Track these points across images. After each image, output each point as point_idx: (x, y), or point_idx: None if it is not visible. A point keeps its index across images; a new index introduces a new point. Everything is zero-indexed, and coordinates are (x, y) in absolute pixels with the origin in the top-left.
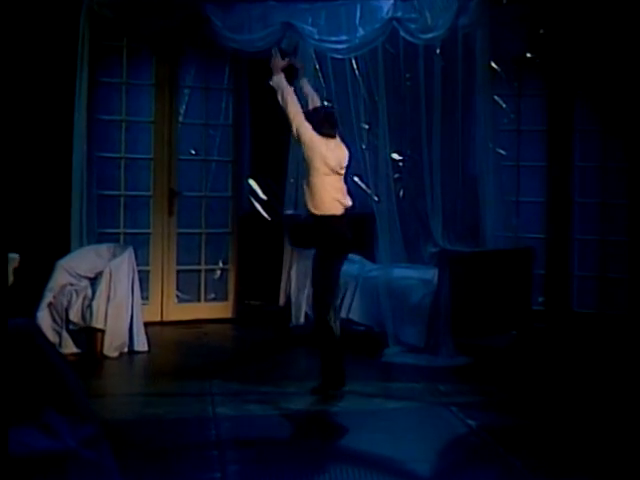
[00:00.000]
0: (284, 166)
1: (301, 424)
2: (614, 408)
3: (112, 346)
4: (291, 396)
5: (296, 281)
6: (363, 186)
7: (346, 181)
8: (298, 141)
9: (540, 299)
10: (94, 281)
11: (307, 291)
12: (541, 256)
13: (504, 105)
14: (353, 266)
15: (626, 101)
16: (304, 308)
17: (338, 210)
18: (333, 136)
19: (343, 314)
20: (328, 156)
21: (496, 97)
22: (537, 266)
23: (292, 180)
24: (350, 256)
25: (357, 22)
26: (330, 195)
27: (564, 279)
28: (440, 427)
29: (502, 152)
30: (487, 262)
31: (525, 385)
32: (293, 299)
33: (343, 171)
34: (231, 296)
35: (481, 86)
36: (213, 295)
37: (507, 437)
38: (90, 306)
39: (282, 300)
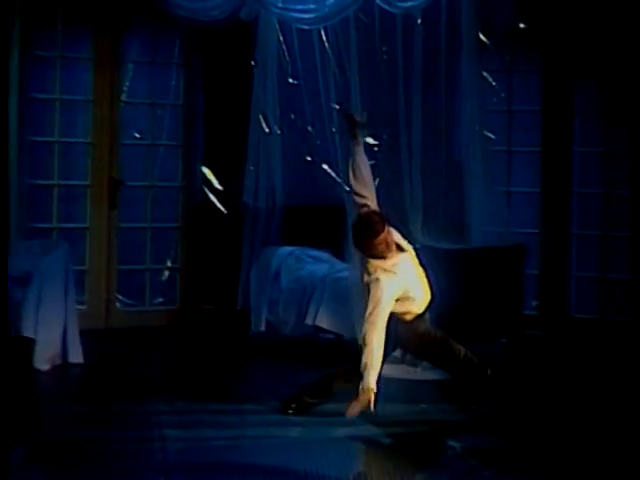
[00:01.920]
0: (242, 152)
1: (258, 449)
2: (614, 428)
3: (43, 358)
4: (249, 415)
5: (256, 282)
6: (333, 174)
7: (313, 169)
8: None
9: (533, 303)
10: (22, 283)
11: (268, 294)
12: (535, 254)
13: (493, 82)
14: (320, 265)
15: (633, 78)
16: (265, 314)
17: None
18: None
19: (309, 321)
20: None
21: (484, 73)
22: (530, 265)
23: (252, 168)
24: (317, 254)
25: None
26: None
27: (561, 280)
28: (421, 450)
29: (491, 136)
30: (473, 261)
31: (515, 401)
32: (252, 303)
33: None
34: (181, 300)
35: (467, 61)
36: (160, 299)
37: (494, 460)
38: (18, 312)
39: (239, 304)
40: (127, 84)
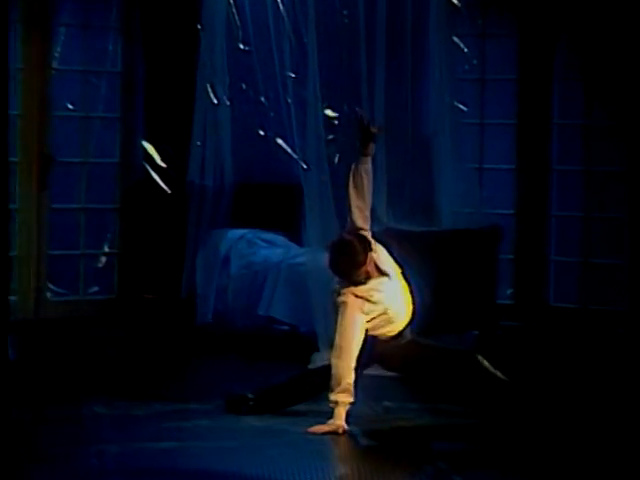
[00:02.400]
0: (188, 125)
1: (204, 452)
2: (596, 429)
3: None
4: (194, 416)
5: (203, 268)
6: (288, 150)
7: (267, 143)
8: None
9: (508, 291)
10: None
11: (216, 281)
12: (510, 237)
13: (465, 48)
14: (275, 250)
15: (620, 43)
16: (212, 303)
17: None
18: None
19: (261, 311)
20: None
21: (455, 38)
22: (505, 250)
23: (198, 142)
24: (271, 237)
25: None
26: None
27: (538, 266)
28: (385, 452)
29: (462, 107)
30: (442, 244)
31: (487, 399)
32: (199, 291)
33: None
34: (119, 288)
35: (436, 24)
36: (96, 287)
37: (465, 464)
38: None
39: (184, 293)
40: (59, 50)
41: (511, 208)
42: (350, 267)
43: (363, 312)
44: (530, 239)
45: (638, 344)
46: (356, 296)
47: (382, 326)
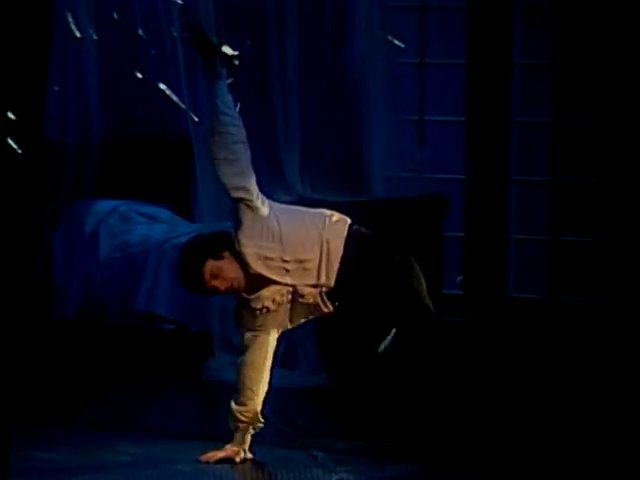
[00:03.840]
0: (42, 65)
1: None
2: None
3: None
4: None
5: (62, 250)
6: (173, 97)
7: (145, 89)
8: None
9: (458, 278)
10: None
11: (81, 267)
12: (459, 209)
13: None
14: (157, 227)
15: None
16: (75, 295)
17: None
18: None
19: (140, 305)
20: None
21: None
22: (452, 225)
23: (56, 87)
24: (152, 211)
25: None
26: None
27: (495, 245)
28: None
29: (398, 43)
30: (372, 218)
31: (421, 418)
32: (57, 279)
33: None
34: None
35: None
36: None
37: None
38: None
39: (38, 281)
40: None
41: (460, 172)
42: (195, 264)
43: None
44: (484, 211)
45: (617, 344)
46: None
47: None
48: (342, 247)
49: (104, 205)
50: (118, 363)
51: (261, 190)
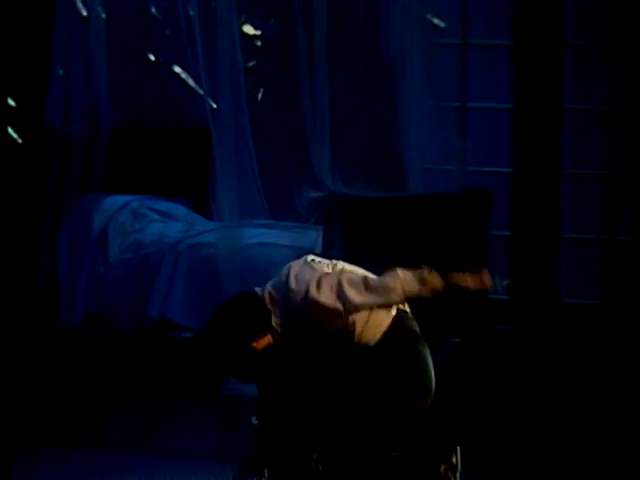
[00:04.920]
0: (46, 47)
1: None
2: None
3: None
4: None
5: (68, 250)
6: (190, 82)
7: (160, 73)
8: None
9: (504, 282)
10: None
11: (88, 269)
12: (505, 205)
13: None
14: (172, 225)
15: None
16: (82, 300)
17: None
18: None
19: (153, 312)
20: None
21: None
22: (498, 223)
23: (60, 72)
24: (167, 207)
25: None
26: None
27: (545, 246)
28: None
29: (438, 22)
30: (408, 216)
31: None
32: (62, 283)
33: None
34: None
35: None
36: None
37: None
38: None
39: (41, 285)
40: None
41: (506, 164)
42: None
43: None
44: (533, 208)
45: None
46: None
47: None
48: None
49: (114, 201)
50: (129, 376)
51: (284, 185)
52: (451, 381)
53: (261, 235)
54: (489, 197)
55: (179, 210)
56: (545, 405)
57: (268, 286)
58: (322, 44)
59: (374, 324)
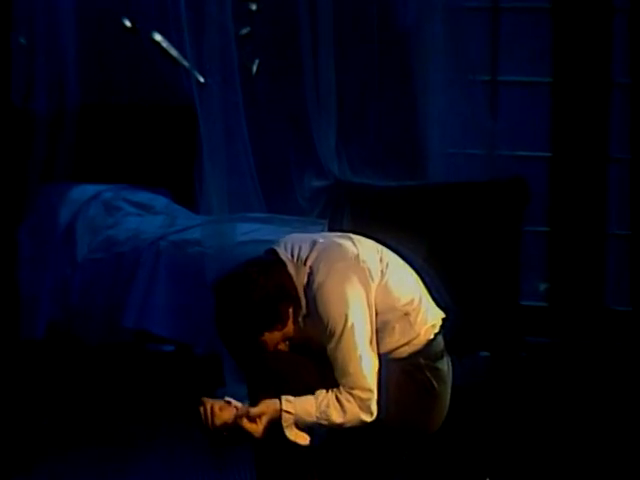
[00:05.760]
0: (6, 14)
1: None
2: None
3: None
4: None
5: (30, 249)
6: (173, 52)
7: (136, 42)
8: None
9: (542, 286)
10: None
11: (53, 270)
12: (543, 197)
13: None
14: (151, 219)
15: None
16: (47, 307)
17: None
18: None
19: (129, 321)
20: None
21: None
22: (533, 217)
23: (22, 40)
24: (146, 198)
25: None
26: None
27: (589, 244)
28: None
29: None
30: (428, 209)
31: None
32: (24, 288)
33: None
34: None
35: None
36: None
37: None
38: None
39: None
40: None
41: (544, 148)
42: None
43: None
44: (575, 200)
45: None
46: None
47: None
48: None
49: (83, 191)
50: (99, 396)
51: (283, 173)
52: (478, 403)
53: (256, 231)
54: (524, 186)
55: (159, 202)
56: (590, 430)
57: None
58: (327, 8)
59: None
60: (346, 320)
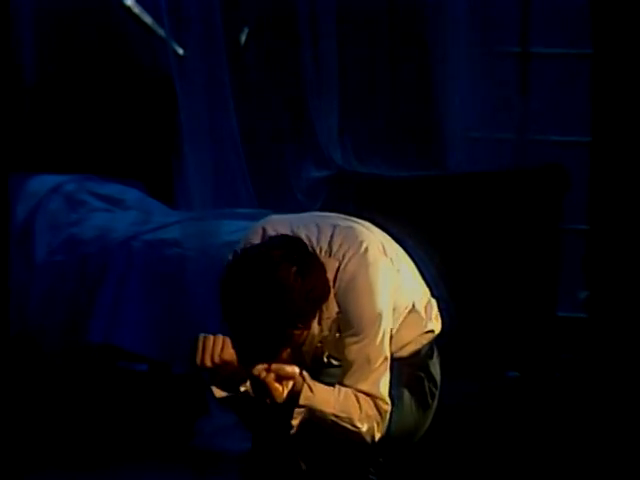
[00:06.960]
0: None
1: None
2: None
3: None
4: None
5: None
6: (147, 20)
7: (105, 6)
8: None
9: (582, 294)
10: None
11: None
12: (582, 188)
13: None
14: (120, 216)
15: None
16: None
17: None
18: None
19: (96, 335)
20: None
21: None
22: (573, 213)
23: None
24: (115, 191)
25: None
26: None
27: (636, 244)
28: None
29: None
30: (448, 202)
31: None
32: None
33: None
34: None
35: None
36: None
37: None
38: None
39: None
40: None
41: (583, 132)
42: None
43: None
44: (619, 191)
45: None
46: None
47: None
48: None
49: (42, 182)
50: (61, 422)
51: (276, 161)
52: (506, 429)
53: (244, 230)
54: (563, 175)
55: (131, 195)
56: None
57: None
58: None
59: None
60: (380, 320)
